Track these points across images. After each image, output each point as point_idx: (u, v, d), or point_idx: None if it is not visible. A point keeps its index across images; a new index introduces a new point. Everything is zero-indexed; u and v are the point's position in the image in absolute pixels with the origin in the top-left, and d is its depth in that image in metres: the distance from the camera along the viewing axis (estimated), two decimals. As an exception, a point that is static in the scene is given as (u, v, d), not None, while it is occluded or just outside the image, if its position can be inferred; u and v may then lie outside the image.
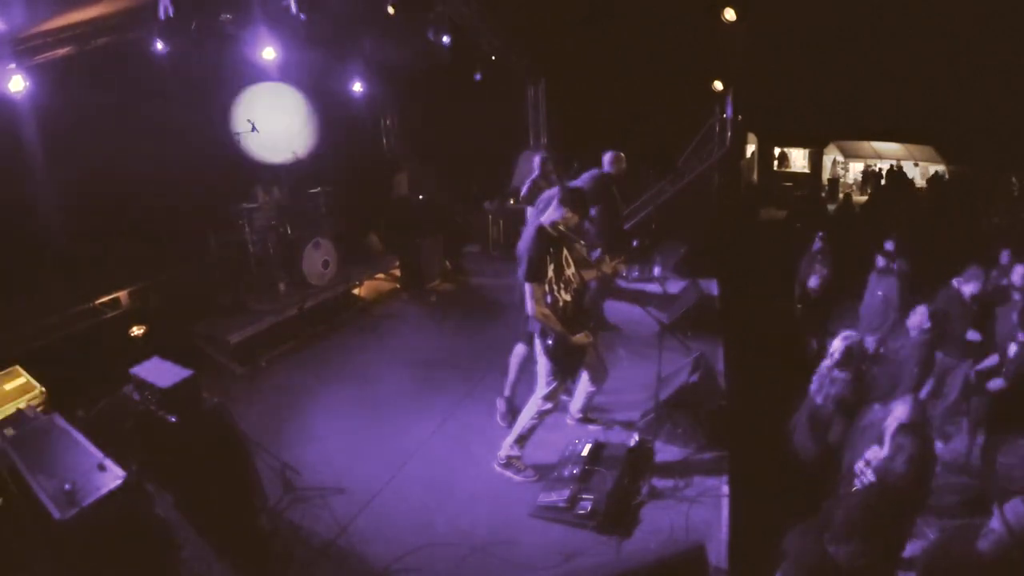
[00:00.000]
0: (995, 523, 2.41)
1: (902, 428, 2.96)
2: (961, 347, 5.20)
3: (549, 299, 3.69)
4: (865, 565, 2.81)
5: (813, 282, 6.57)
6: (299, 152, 7.70)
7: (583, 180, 5.76)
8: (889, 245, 6.14)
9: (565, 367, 3.89)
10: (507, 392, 4.84)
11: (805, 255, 6.81)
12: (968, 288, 5.08)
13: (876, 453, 3.08)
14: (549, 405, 3.93)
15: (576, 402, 4.60)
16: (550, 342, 3.75)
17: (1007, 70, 15.45)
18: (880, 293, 5.94)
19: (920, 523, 4.28)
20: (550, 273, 3.68)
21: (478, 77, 9.01)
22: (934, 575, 2.79)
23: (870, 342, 5.79)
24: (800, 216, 12.97)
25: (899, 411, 3.10)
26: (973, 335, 5.12)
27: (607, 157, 5.84)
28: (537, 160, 6.37)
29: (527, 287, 3.66)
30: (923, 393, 5.58)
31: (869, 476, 3.01)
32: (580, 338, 3.75)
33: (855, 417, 4.09)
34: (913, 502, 2.96)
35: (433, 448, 4.50)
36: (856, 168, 23.63)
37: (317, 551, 3.48)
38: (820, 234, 6.70)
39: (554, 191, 4.12)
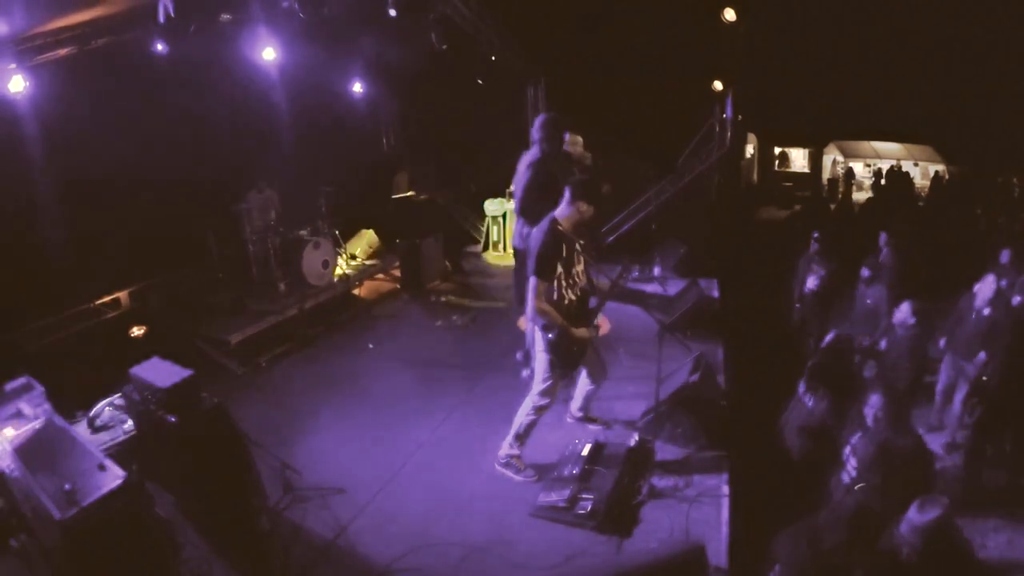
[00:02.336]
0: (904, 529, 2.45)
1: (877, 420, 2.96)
2: (971, 351, 5.14)
3: (555, 296, 3.67)
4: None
5: (811, 283, 6.58)
6: None
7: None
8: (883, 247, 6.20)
9: (565, 362, 3.86)
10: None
11: (804, 255, 6.81)
12: (983, 294, 5.08)
13: (859, 439, 3.09)
14: (546, 401, 3.92)
15: (576, 401, 4.61)
16: (551, 336, 3.74)
17: (1007, 70, 15.45)
18: (869, 301, 5.97)
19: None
20: (559, 269, 3.65)
21: (478, 77, 9.00)
22: None
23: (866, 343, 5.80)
24: (805, 215, 13.00)
25: (874, 401, 3.10)
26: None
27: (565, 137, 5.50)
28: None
29: (532, 281, 3.61)
30: (938, 396, 5.57)
31: (852, 463, 3.02)
32: (582, 331, 3.75)
33: (843, 413, 4.09)
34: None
35: (433, 448, 4.50)
36: (857, 169, 23.61)
37: (317, 551, 3.48)
38: (815, 235, 6.70)
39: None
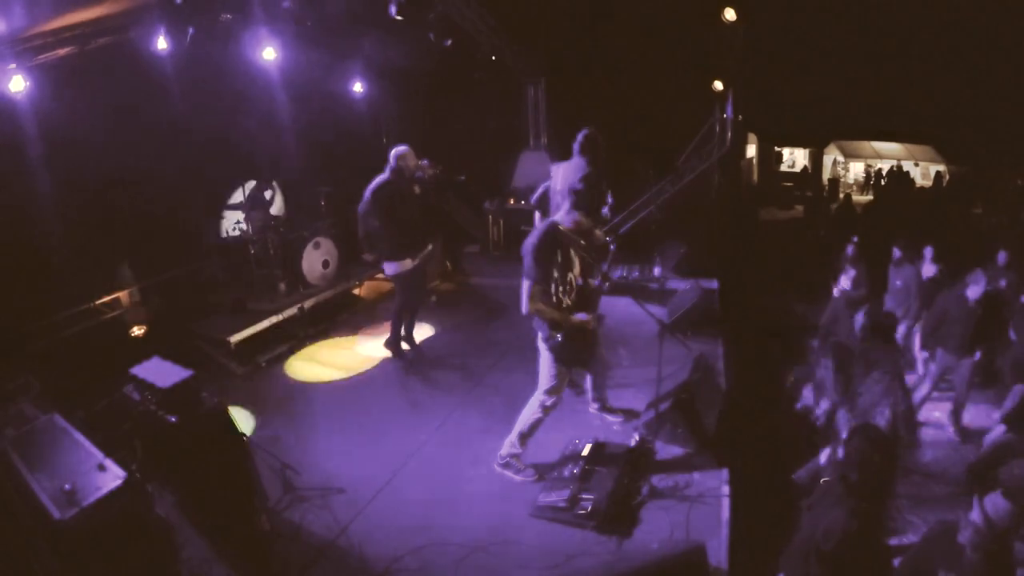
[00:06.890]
0: (974, 515, 2.47)
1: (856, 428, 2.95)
2: (960, 346, 5.30)
3: (553, 300, 3.64)
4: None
5: (844, 282, 6.66)
6: None
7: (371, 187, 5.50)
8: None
9: (568, 359, 3.82)
10: None
11: (838, 256, 6.88)
12: (972, 291, 5.17)
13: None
14: (553, 400, 3.91)
15: (591, 393, 4.68)
16: (554, 343, 3.72)
17: (1007, 70, 15.46)
18: (899, 283, 6.07)
19: (910, 517, 4.33)
20: (555, 274, 3.60)
21: (478, 77, 9.00)
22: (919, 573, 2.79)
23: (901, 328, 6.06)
24: (812, 215, 13.06)
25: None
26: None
27: (392, 153, 5.51)
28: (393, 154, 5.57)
29: (524, 283, 3.60)
30: (924, 390, 5.64)
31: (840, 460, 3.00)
32: (579, 319, 3.66)
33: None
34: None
35: (433, 448, 4.50)
36: (856, 168, 23.63)
37: (317, 551, 3.48)
38: (854, 239, 6.80)
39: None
